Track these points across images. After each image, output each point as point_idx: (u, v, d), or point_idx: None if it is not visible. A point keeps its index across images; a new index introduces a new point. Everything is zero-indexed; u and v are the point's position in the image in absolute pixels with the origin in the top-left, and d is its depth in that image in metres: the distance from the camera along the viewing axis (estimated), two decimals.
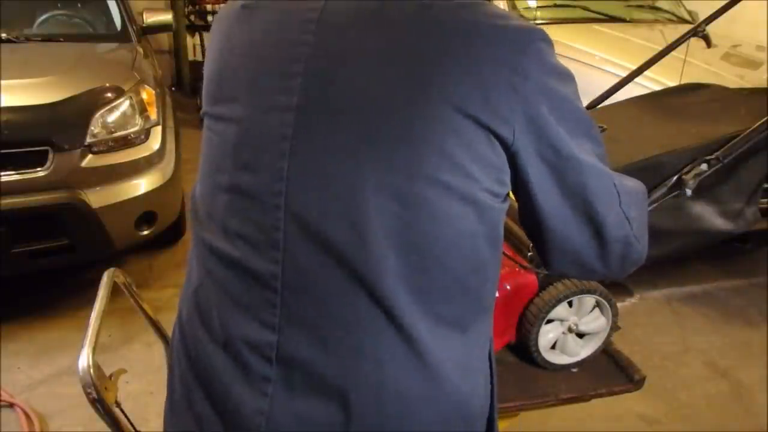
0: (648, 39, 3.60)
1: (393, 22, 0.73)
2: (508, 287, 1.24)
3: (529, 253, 1.26)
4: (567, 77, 0.77)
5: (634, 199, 0.86)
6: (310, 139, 0.74)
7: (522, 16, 3.78)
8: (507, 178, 0.76)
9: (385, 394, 0.75)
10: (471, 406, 0.82)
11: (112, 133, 2.55)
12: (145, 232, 2.72)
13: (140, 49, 3.25)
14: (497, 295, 1.23)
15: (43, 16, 3.38)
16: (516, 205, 1.23)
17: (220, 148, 0.81)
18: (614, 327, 1.31)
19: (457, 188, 0.72)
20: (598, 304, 1.29)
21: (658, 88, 2.46)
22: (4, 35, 3.04)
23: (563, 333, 1.29)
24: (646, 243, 0.89)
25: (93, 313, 1.06)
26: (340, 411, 0.75)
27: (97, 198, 2.49)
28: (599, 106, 1.94)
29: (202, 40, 5.87)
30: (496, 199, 0.76)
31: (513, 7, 3.86)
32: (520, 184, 0.77)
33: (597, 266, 0.85)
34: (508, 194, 0.78)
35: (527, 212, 0.81)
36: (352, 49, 0.73)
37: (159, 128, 2.77)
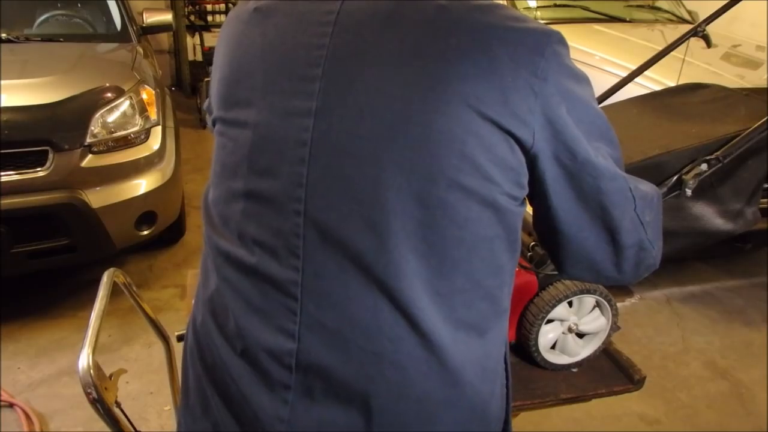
0: (648, 39, 3.61)
1: (410, 23, 0.72)
2: None
3: (529, 253, 1.26)
4: (583, 79, 0.78)
5: (649, 204, 0.85)
6: (330, 143, 0.73)
7: None
8: (525, 181, 0.75)
9: (406, 399, 0.75)
10: (490, 408, 0.82)
11: (112, 133, 2.55)
12: (145, 232, 2.72)
13: (140, 49, 3.25)
14: None
15: (43, 16, 3.38)
16: None
17: (235, 153, 0.80)
18: (614, 327, 1.31)
19: (477, 191, 0.71)
20: (598, 304, 1.29)
21: (658, 88, 2.46)
22: (4, 35, 3.05)
23: (563, 333, 1.29)
24: (661, 247, 0.89)
25: (93, 313, 1.06)
26: (360, 417, 0.75)
27: (97, 198, 2.49)
28: (599, 106, 1.94)
29: (202, 40, 5.87)
30: (515, 202, 0.75)
31: (513, 7, 3.85)
32: (536, 187, 0.77)
33: (611, 272, 0.85)
34: (524, 198, 0.78)
35: (542, 216, 0.80)
36: (370, 51, 0.72)
37: (159, 128, 2.77)
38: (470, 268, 0.74)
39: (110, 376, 1.00)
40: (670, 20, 4.24)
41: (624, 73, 2.09)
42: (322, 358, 0.74)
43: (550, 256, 0.87)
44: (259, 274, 0.77)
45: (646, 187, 0.87)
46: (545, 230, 0.82)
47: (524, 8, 3.95)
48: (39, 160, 2.38)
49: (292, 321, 0.75)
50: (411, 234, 0.71)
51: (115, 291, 1.16)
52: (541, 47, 0.71)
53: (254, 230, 0.77)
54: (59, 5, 3.46)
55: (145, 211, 2.67)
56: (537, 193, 0.78)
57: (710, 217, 1.49)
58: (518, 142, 0.72)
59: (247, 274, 0.78)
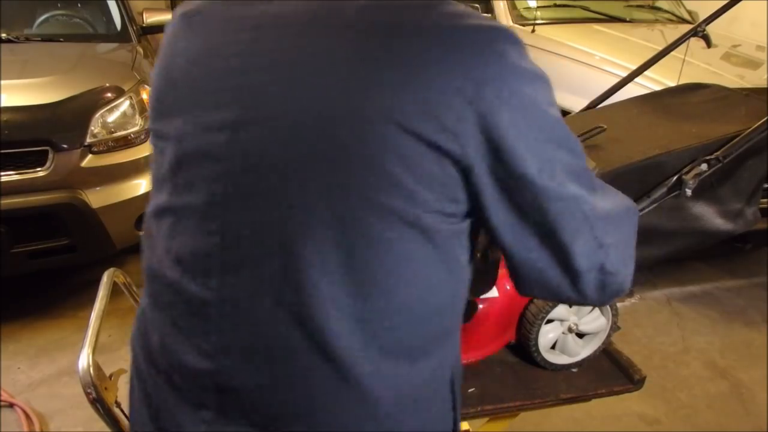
0: (648, 39, 3.61)
1: (329, 28, 0.67)
2: (508, 287, 1.24)
3: None
4: (538, 80, 0.69)
5: (614, 224, 0.76)
6: (245, 159, 0.69)
7: (522, 16, 3.78)
8: (464, 195, 0.69)
9: (318, 429, 0.71)
10: None
11: (112, 133, 2.55)
12: None
13: (140, 49, 3.25)
14: (497, 295, 1.23)
15: (43, 16, 3.38)
16: None
17: (162, 167, 0.77)
18: (614, 327, 1.31)
19: (399, 211, 0.66)
20: None
21: (658, 88, 2.46)
22: (4, 35, 3.05)
23: (563, 333, 1.29)
24: (632, 270, 0.79)
25: (93, 313, 1.06)
26: None
27: (97, 198, 2.49)
28: (599, 106, 1.94)
29: None
30: (451, 218, 0.69)
31: (513, 7, 3.85)
32: (476, 203, 0.70)
33: (571, 294, 0.76)
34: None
35: (489, 234, 0.73)
36: (287, 60, 0.68)
37: None
38: (396, 291, 0.69)
39: (110, 376, 1.00)
40: (670, 20, 4.23)
41: (624, 73, 2.09)
42: (236, 381, 0.72)
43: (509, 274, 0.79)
44: (179, 293, 0.74)
45: (612, 203, 0.77)
46: (499, 248, 0.74)
47: (524, 8, 3.94)
48: (39, 160, 2.38)
49: (208, 341, 0.72)
50: (326, 256, 0.66)
51: (115, 291, 1.16)
52: (480, 47, 0.65)
53: (176, 247, 0.74)
54: (59, 5, 3.46)
55: (145, 211, 2.66)
56: (477, 209, 0.70)
57: (710, 217, 1.49)
58: (447, 155, 0.65)
59: (170, 291, 0.76)
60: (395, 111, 0.63)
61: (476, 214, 0.71)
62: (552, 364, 1.29)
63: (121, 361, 2.40)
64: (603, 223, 0.73)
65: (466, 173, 0.67)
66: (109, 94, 2.61)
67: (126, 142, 2.60)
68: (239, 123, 0.69)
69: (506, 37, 0.66)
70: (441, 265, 0.71)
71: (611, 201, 0.77)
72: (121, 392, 1.01)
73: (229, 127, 0.70)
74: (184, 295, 0.74)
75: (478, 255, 0.79)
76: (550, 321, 1.26)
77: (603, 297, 0.77)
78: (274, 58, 0.69)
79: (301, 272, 0.67)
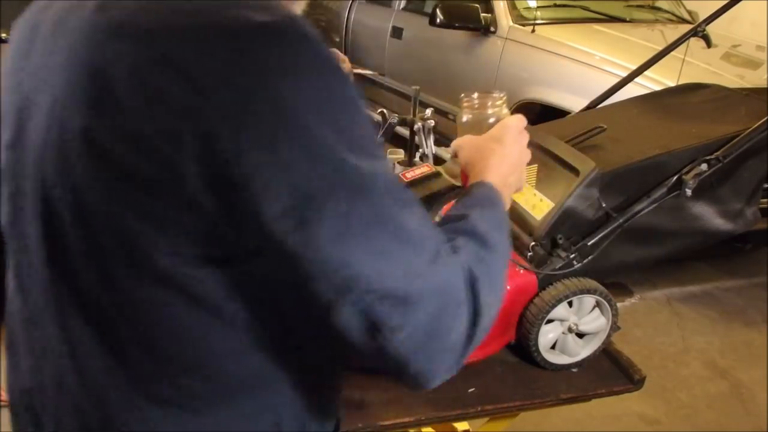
0: (648, 39, 3.60)
1: (69, 34, 0.59)
2: (508, 287, 1.24)
3: (529, 253, 1.26)
4: (315, 90, 0.52)
5: (412, 306, 0.54)
6: (19, 182, 0.66)
7: (522, 16, 3.78)
8: (208, 237, 0.55)
9: None
10: None
11: None
12: None
13: None
14: None
15: None
16: (518, 207, 1.20)
17: None
18: (614, 327, 1.31)
19: (131, 256, 0.57)
20: (598, 304, 1.29)
21: (658, 88, 2.46)
22: (3, 35, 3.05)
23: (563, 333, 1.29)
24: (447, 362, 0.59)
25: None
26: None
27: None
28: (599, 106, 1.94)
29: None
30: (207, 263, 0.57)
31: (513, 7, 3.85)
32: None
33: (374, 363, 0.59)
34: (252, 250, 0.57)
35: None
36: (43, 76, 0.62)
37: None
38: (147, 341, 0.61)
39: None
40: (670, 20, 4.23)
41: (624, 73, 2.09)
42: (43, 403, 0.72)
43: None
44: (10, 312, 0.75)
45: (421, 278, 0.55)
46: None
47: (524, 8, 3.94)
48: None
49: (24, 361, 0.72)
50: (81, 297, 0.62)
51: None
52: (217, 46, 0.50)
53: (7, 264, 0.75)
54: None
55: None
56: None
57: (710, 217, 1.49)
58: (168, 190, 0.53)
59: (9, 309, 0.77)
60: (97, 137, 0.54)
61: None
62: (552, 364, 1.29)
63: None
64: (382, 301, 0.53)
65: (194, 211, 0.53)
66: None
67: None
68: (12, 144, 0.67)
69: (265, 31, 0.51)
70: (205, 316, 0.59)
71: (425, 274, 0.56)
72: None
73: (8, 147, 0.68)
74: (10, 314, 0.74)
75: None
76: (550, 321, 1.26)
77: (418, 383, 0.60)
78: (36, 72, 0.64)
79: (65, 309, 0.64)
